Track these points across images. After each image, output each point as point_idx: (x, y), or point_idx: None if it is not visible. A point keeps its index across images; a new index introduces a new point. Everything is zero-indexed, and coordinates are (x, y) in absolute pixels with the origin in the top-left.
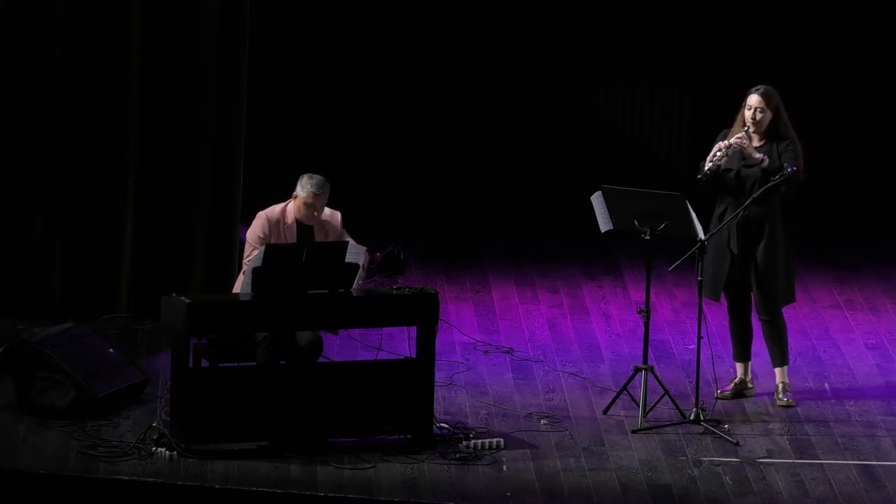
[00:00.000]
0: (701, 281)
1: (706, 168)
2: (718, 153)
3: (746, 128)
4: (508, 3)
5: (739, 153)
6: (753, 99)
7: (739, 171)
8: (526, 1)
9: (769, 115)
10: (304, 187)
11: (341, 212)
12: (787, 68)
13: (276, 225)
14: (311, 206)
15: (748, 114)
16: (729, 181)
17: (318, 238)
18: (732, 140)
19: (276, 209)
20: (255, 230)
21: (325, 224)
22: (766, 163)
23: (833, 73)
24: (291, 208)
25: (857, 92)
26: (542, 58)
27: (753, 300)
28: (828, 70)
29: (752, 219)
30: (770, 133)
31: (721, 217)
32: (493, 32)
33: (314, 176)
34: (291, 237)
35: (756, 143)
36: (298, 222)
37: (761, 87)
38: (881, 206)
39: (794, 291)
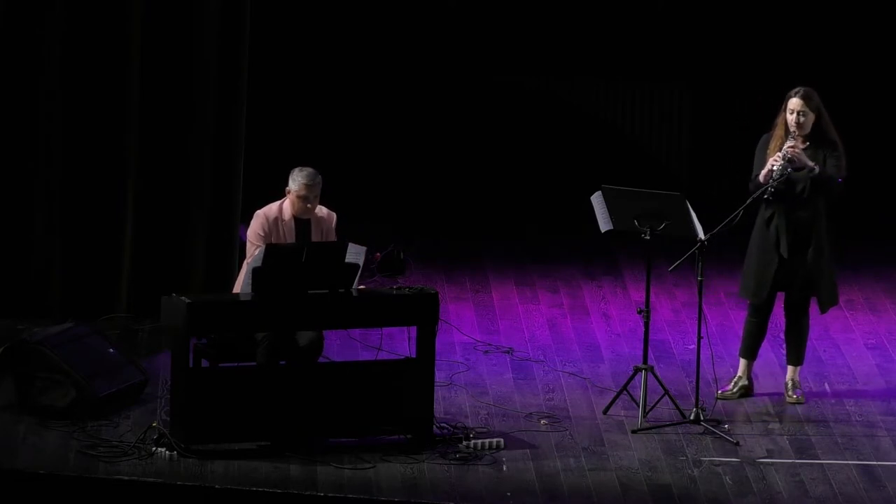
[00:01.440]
0: (701, 281)
1: (770, 189)
2: (776, 167)
3: (792, 133)
4: (508, 3)
5: (790, 157)
6: (794, 102)
7: (789, 175)
8: (526, 1)
9: (812, 116)
10: (295, 180)
11: (342, 211)
12: (787, 68)
13: (274, 223)
14: (305, 198)
15: (791, 118)
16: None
17: (315, 233)
18: (785, 150)
19: (272, 207)
20: (255, 229)
21: (321, 221)
22: (816, 171)
23: (833, 72)
24: (287, 205)
25: (858, 92)
26: (542, 58)
27: (783, 301)
28: (828, 70)
29: (800, 222)
30: (814, 135)
31: (768, 221)
32: (493, 32)
33: (304, 168)
34: (290, 233)
35: (801, 145)
36: (296, 218)
37: (801, 90)
38: (881, 206)
39: (838, 294)
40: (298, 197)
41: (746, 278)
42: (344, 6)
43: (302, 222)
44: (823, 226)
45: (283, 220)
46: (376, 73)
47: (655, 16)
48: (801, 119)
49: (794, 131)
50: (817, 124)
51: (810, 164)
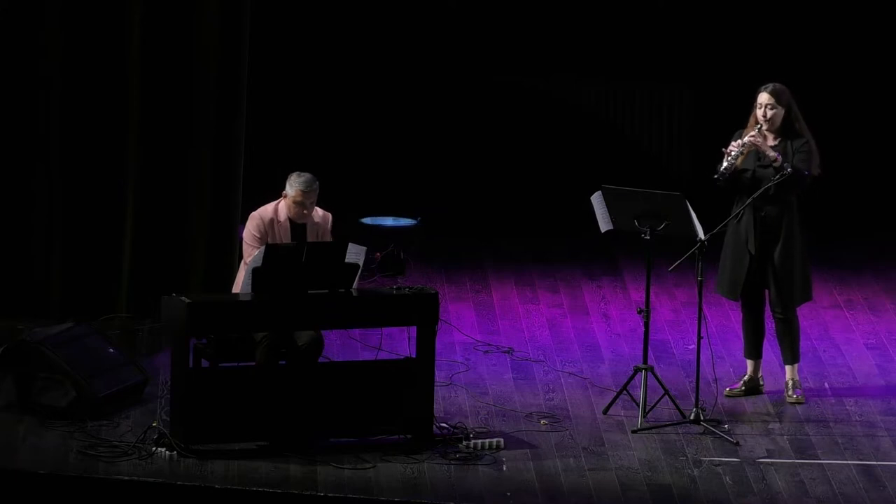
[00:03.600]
0: (701, 281)
1: (722, 167)
2: (734, 151)
3: (760, 126)
4: (508, 3)
5: (755, 153)
6: (763, 97)
7: (755, 172)
8: (526, 1)
9: (781, 111)
10: (292, 186)
11: (342, 211)
12: (788, 68)
13: (269, 224)
14: (301, 205)
15: (759, 112)
16: (745, 181)
17: (311, 234)
18: (747, 138)
19: (268, 208)
20: (250, 230)
21: (317, 225)
22: (780, 161)
23: (833, 72)
24: (283, 206)
25: (858, 92)
26: (542, 58)
27: (768, 298)
28: (828, 70)
29: (768, 219)
30: (784, 131)
31: (738, 217)
32: (493, 32)
33: (302, 174)
34: (285, 234)
35: (771, 141)
36: (291, 220)
37: (770, 85)
38: (881, 206)
39: (811, 290)
40: (295, 202)
41: (721, 276)
42: (344, 7)
43: (297, 225)
44: (795, 222)
45: (278, 222)
46: (376, 73)
47: (656, 16)
48: (769, 113)
49: (762, 125)
50: (787, 120)
51: (772, 154)
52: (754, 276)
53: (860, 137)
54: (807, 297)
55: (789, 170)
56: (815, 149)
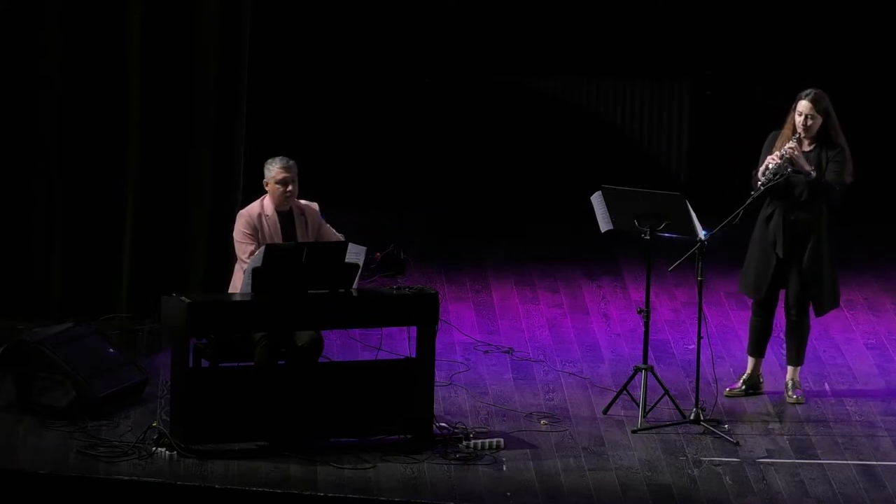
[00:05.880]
0: (701, 281)
1: (760, 183)
2: (772, 164)
3: (797, 135)
4: (508, 3)
5: (789, 158)
6: (803, 105)
7: (788, 177)
8: (526, 1)
9: (819, 119)
10: (270, 168)
11: (342, 211)
12: (788, 69)
13: (258, 219)
14: (284, 182)
15: (799, 120)
16: (778, 186)
17: (299, 223)
18: (784, 150)
19: (254, 205)
20: (240, 228)
21: (303, 209)
22: (813, 175)
23: (834, 73)
24: (268, 200)
25: (859, 92)
26: (542, 58)
27: (783, 299)
28: (829, 70)
29: (798, 224)
30: (820, 137)
31: (768, 219)
32: (493, 32)
33: (276, 157)
34: (274, 227)
35: (806, 147)
36: (278, 212)
37: (811, 92)
38: (881, 207)
39: (839, 296)
40: (277, 182)
41: (746, 276)
42: (345, 7)
43: (284, 216)
44: (824, 228)
45: (266, 216)
46: (377, 73)
47: (656, 15)
48: (809, 122)
49: (801, 133)
50: (824, 127)
51: (807, 168)
52: (775, 278)
53: (860, 137)
54: (835, 303)
55: (789, 170)
56: (849, 157)
